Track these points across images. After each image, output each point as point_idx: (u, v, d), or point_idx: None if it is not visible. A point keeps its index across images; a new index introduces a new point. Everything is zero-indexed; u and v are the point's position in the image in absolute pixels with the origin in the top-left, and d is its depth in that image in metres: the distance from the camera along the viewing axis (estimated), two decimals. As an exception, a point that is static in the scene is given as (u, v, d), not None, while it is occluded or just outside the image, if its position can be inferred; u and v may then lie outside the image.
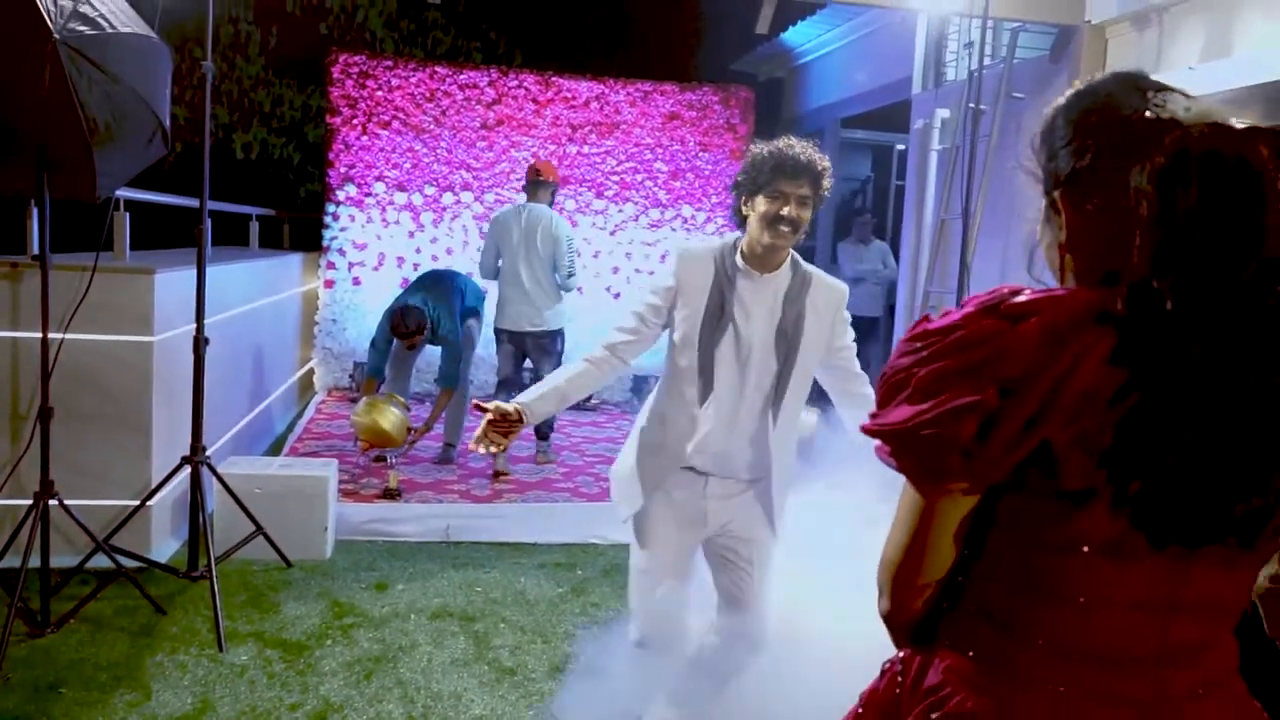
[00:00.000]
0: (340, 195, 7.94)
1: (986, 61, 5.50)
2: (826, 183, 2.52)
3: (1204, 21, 4.01)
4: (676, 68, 8.33)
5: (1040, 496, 1.00)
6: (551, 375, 2.62)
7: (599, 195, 8.30)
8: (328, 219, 7.96)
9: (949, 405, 0.98)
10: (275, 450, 6.19)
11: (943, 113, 5.94)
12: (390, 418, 5.46)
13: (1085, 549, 1.00)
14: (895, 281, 7.86)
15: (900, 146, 9.72)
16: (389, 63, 8.00)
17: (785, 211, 2.45)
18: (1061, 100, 1.12)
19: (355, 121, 7.88)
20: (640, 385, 8.34)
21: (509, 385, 5.75)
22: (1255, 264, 0.95)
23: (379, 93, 7.88)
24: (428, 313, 5.60)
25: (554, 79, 8.15)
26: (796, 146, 2.50)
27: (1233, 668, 1.09)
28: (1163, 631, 1.03)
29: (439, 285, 5.91)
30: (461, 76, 8.04)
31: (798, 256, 2.60)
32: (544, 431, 6.13)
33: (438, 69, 8.06)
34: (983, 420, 0.96)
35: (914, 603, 1.10)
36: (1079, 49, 4.71)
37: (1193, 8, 4.07)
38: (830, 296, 2.61)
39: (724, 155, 8.41)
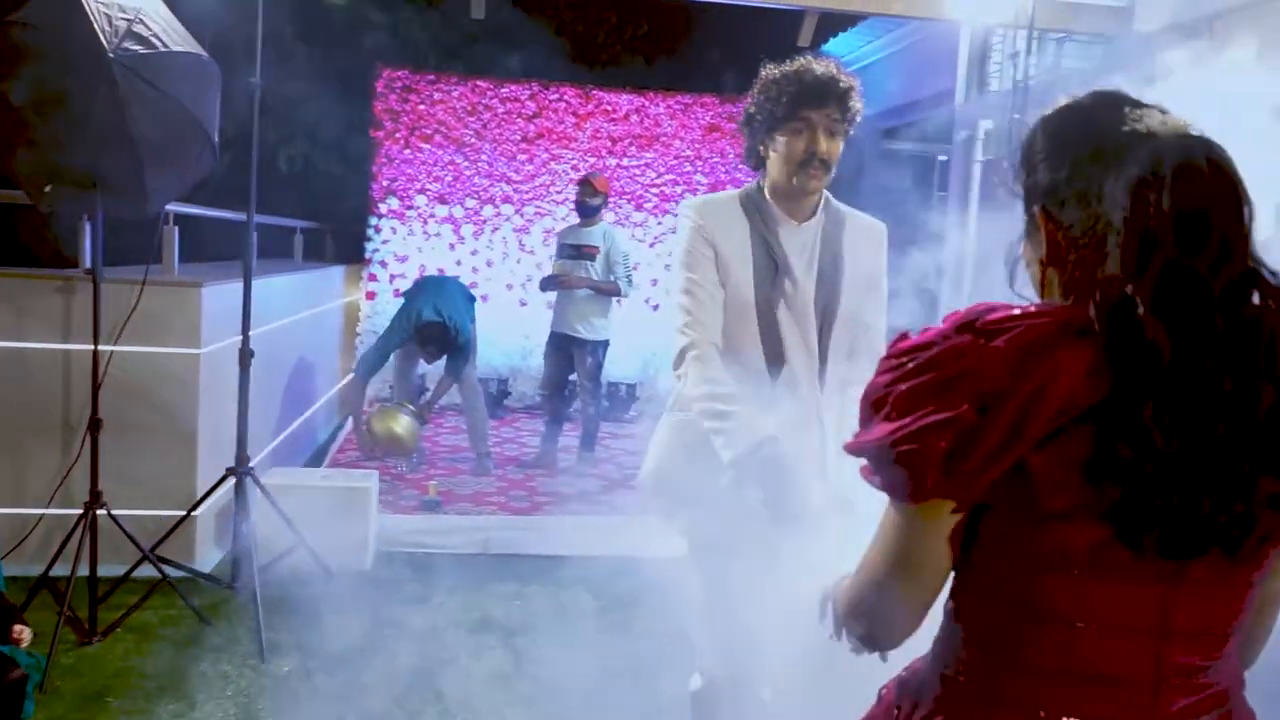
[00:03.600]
0: (383, 208, 8.02)
1: (1031, 72, 5.44)
2: (856, 103, 2.15)
3: (1255, 32, 3.93)
4: (717, 80, 8.34)
5: (1022, 515, 1.00)
6: (728, 407, 2.03)
7: (638, 208, 8.32)
8: (370, 231, 8.05)
9: (924, 421, 0.98)
10: (316, 461, 6.26)
11: (986, 124, 5.89)
12: (403, 423, 5.54)
13: (1074, 571, 1.00)
14: (933, 292, 7.78)
15: (942, 158, 9.63)
16: (431, 77, 8.09)
17: (816, 148, 2.08)
18: (1041, 115, 1.13)
19: (398, 135, 7.96)
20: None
21: None
22: (1226, 272, 0.95)
23: (421, 107, 7.96)
24: (445, 322, 5.65)
25: (594, 92, 8.20)
26: (815, 66, 2.12)
27: (1235, 688, 1.09)
28: (1157, 658, 1.03)
29: (447, 290, 5.96)
30: (502, 90, 8.10)
31: (828, 195, 2.24)
32: (588, 442, 6.18)
33: (479, 83, 8.13)
34: (958, 436, 0.96)
35: (907, 624, 1.09)
36: (1127, 59, 4.64)
37: (1241, 18, 3.99)
38: (870, 236, 2.27)
39: (763, 167, 8.39)
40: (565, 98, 8.14)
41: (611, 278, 6.01)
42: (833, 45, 8.48)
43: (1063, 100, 1.13)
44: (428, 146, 8.00)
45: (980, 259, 5.90)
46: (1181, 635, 1.02)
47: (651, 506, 2.29)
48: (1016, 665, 1.04)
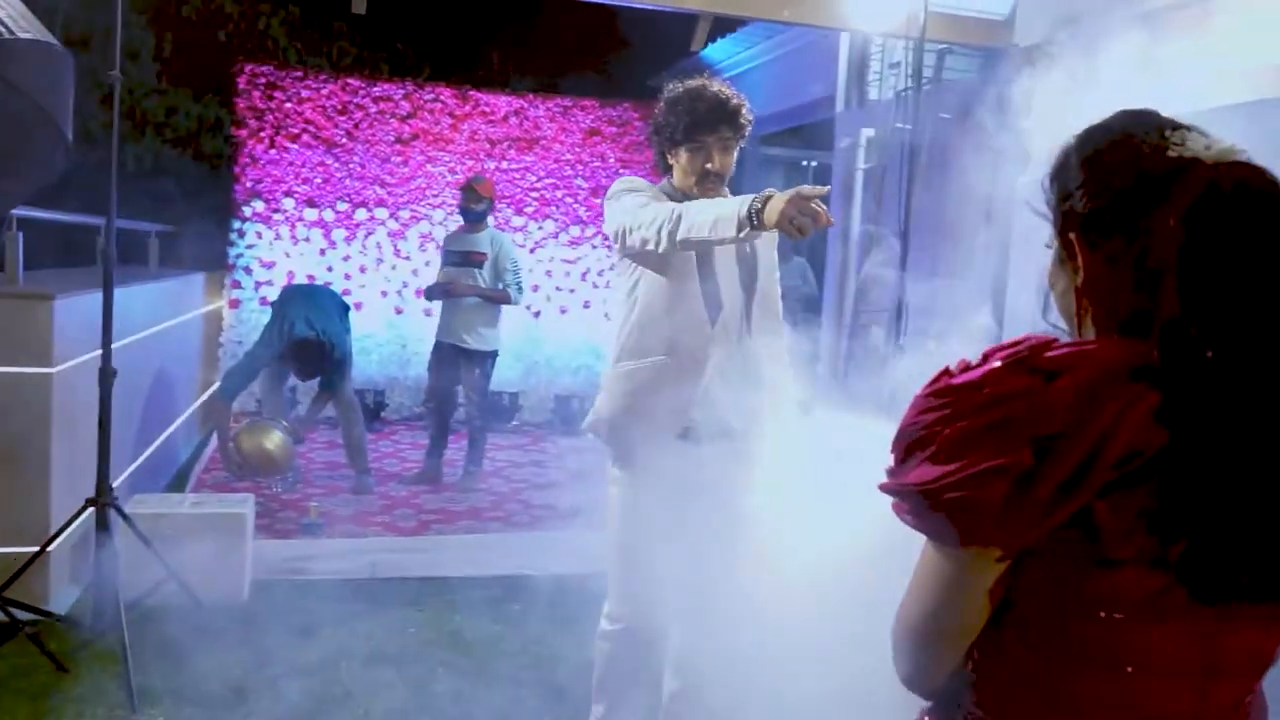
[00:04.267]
0: (247, 211, 7.58)
1: (910, 82, 5.55)
2: (745, 117, 2.47)
3: (1130, 48, 4.07)
4: (594, 83, 8.24)
5: (1074, 562, 0.96)
6: (677, 212, 2.28)
7: (518, 212, 8.13)
8: (233, 236, 7.60)
9: (979, 466, 0.92)
10: (179, 484, 5.82)
11: (868, 132, 5.97)
12: (276, 440, 5.23)
13: (1128, 616, 0.96)
14: (815, 297, 7.89)
15: (813, 163, 9.79)
16: (298, 74, 7.70)
17: (710, 165, 2.43)
18: (1072, 139, 1.08)
19: (263, 134, 7.54)
20: (563, 406, 8.19)
21: None
22: None
23: (288, 104, 7.57)
24: (320, 337, 5.35)
25: (471, 93, 7.97)
26: (708, 90, 2.44)
27: (1263, 715, 1.08)
28: (1202, 695, 1.00)
29: (319, 301, 5.64)
30: (375, 89, 7.78)
31: (727, 191, 2.56)
32: (476, 457, 5.95)
33: (350, 81, 7.79)
34: (1015, 483, 0.91)
35: (941, 667, 1.06)
36: (1007, 72, 4.76)
37: (1118, 35, 4.14)
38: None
39: (645, 172, 8.32)
40: (441, 98, 7.88)
41: (500, 285, 5.81)
42: (713, 50, 8.48)
43: (1095, 122, 1.07)
44: (295, 146, 7.61)
45: (864, 264, 5.98)
46: (1229, 672, 1.01)
47: (612, 446, 2.57)
48: (1058, 709, 1.00)
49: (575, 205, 8.25)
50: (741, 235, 2.17)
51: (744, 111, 2.48)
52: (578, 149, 8.19)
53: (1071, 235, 1.05)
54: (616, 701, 2.70)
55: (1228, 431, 0.91)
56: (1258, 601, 0.96)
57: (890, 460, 1.04)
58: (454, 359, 5.81)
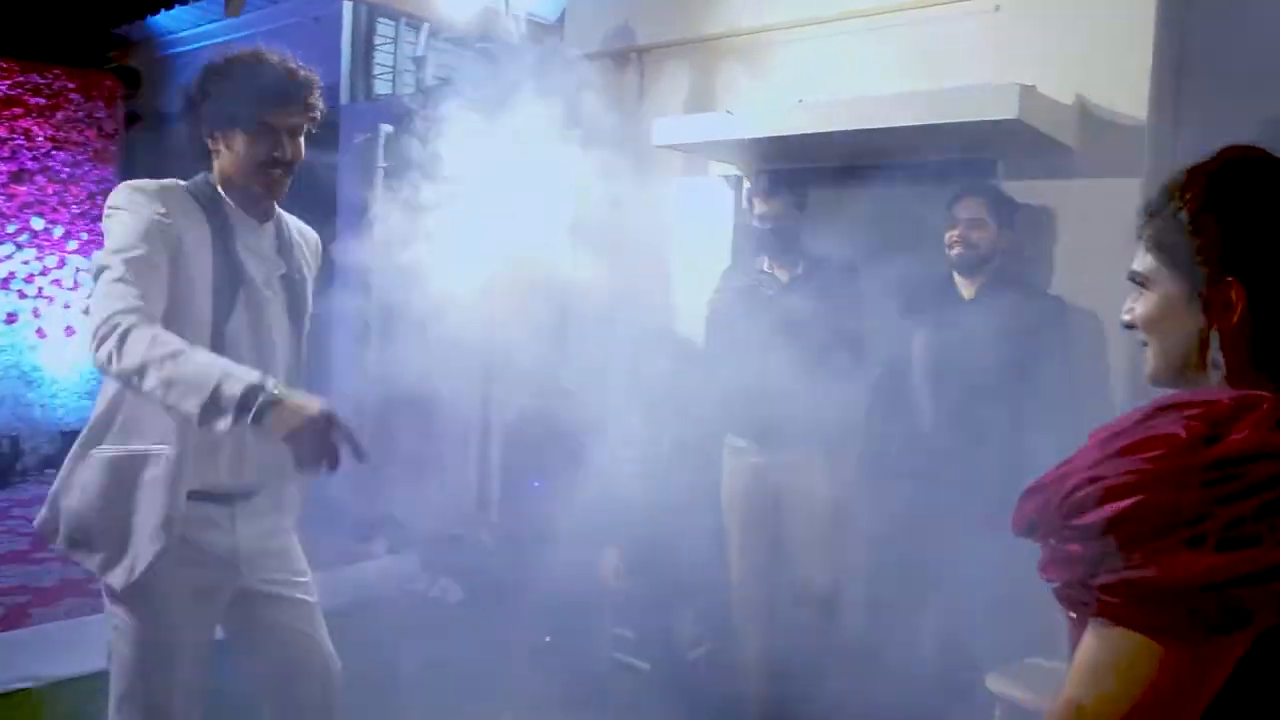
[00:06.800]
0: None
1: (429, 81, 5.30)
2: (317, 97, 2.03)
3: (685, 70, 4.27)
4: (12, 40, 6.53)
5: None
6: (197, 358, 1.69)
7: (-95, 201, 6.18)
8: None
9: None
10: None
11: (387, 128, 5.54)
12: None
13: None
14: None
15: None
16: None
17: (279, 153, 1.94)
18: (1216, 169, 1.00)
19: None
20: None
21: None
22: None
23: None
24: None
25: None
26: (275, 59, 1.97)
27: None
28: None
29: None
30: None
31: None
32: None
33: None
34: None
35: None
36: (553, 77, 4.72)
37: (670, 54, 4.31)
38: (310, 243, 2.20)
39: (86, 156, 6.85)
40: None
41: None
42: (167, 17, 7.22)
43: (1228, 150, 1.00)
44: None
45: (383, 273, 5.56)
46: None
47: (103, 560, 1.91)
48: None
49: (-10, 194, 6.52)
50: (220, 427, 1.64)
51: (317, 89, 2.02)
52: (-10, 122, 6.46)
53: (1229, 279, 0.96)
54: None
55: None
56: None
57: (1086, 548, 0.87)
58: None
